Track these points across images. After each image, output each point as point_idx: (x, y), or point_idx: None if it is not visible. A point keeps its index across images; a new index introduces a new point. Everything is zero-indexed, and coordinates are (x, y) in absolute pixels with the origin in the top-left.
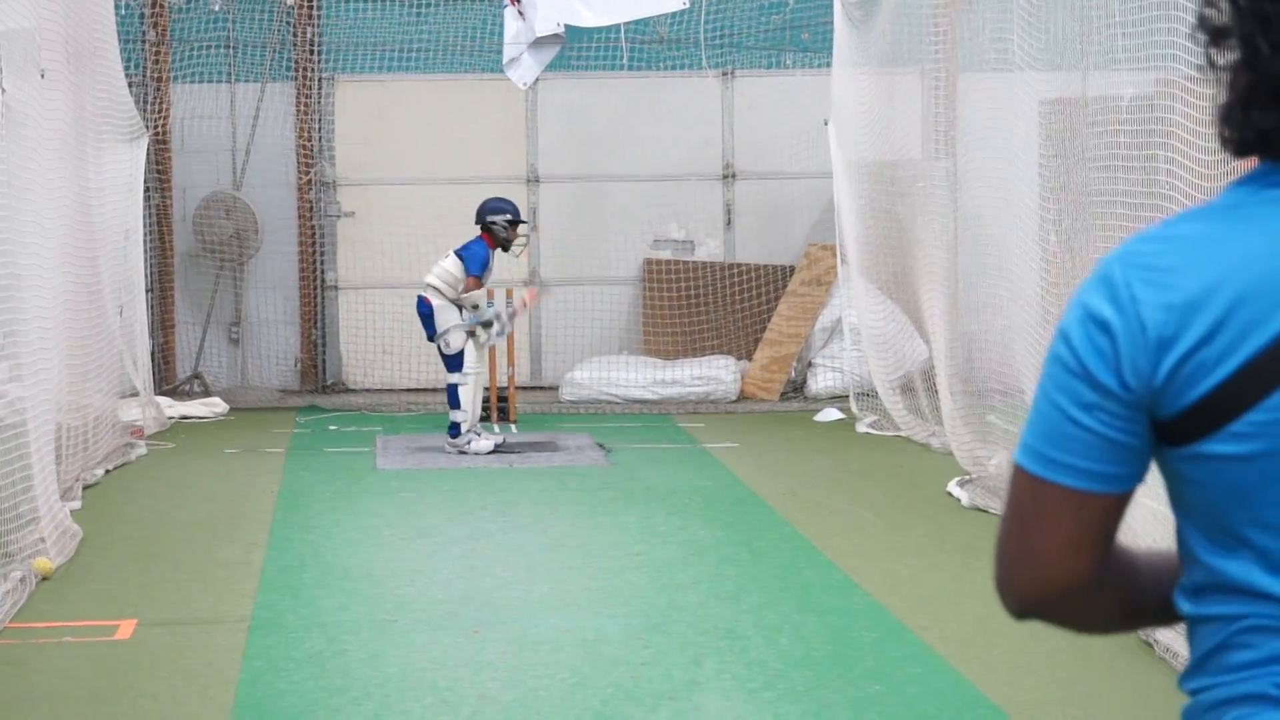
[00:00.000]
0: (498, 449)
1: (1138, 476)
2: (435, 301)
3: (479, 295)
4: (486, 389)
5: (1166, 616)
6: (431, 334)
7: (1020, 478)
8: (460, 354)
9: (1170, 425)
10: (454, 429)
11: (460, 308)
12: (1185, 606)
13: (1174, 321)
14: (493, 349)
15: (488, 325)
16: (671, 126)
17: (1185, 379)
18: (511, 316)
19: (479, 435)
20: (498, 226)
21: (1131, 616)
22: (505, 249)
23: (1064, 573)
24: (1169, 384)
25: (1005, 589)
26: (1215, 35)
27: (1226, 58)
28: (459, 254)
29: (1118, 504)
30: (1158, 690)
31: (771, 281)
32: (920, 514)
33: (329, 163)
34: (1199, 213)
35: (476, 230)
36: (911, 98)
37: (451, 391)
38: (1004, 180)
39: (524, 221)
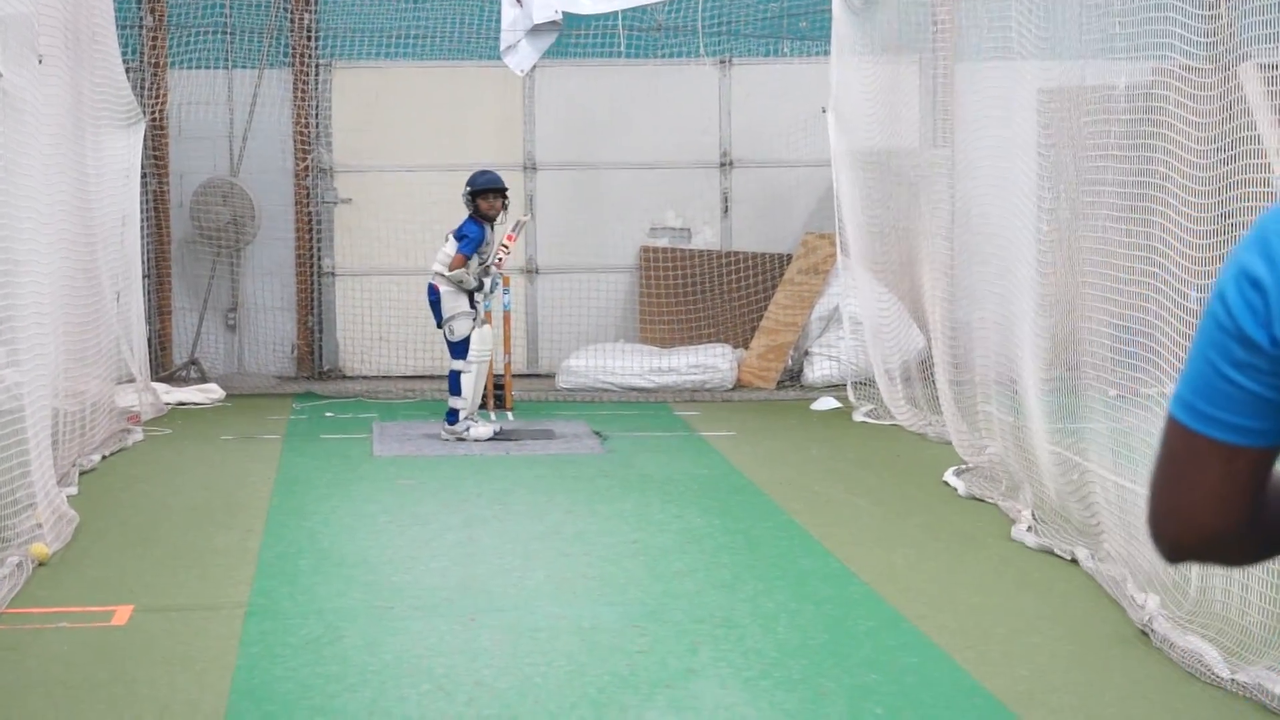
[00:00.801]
0: (496, 436)
1: None
2: (442, 288)
3: (461, 273)
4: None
5: None
6: (440, 321)
7: (1174, 429)
8: (465, 341)
9: None
10: (452, 415)
11: (470, 294)
12: None
13: None
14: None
15: (479, 289)
16: (669, 114)
17: None
18: (498, 264)
19: (476, 422)
20: (466, 200)
21: (1276, 545)
22: (487, 220)
23: (1214, 520)
24: None
25: (1158, 535)
26: None
27: None
28: (455, 235)
29: (1267, 457)
30: (1153, 679)
31: (768, 270)
32: (917, 503)
33: (326, 149)
34: None
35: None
36: (910, 86)
37: (453, 378)
38: (1002, 169)
39: (495, 189)
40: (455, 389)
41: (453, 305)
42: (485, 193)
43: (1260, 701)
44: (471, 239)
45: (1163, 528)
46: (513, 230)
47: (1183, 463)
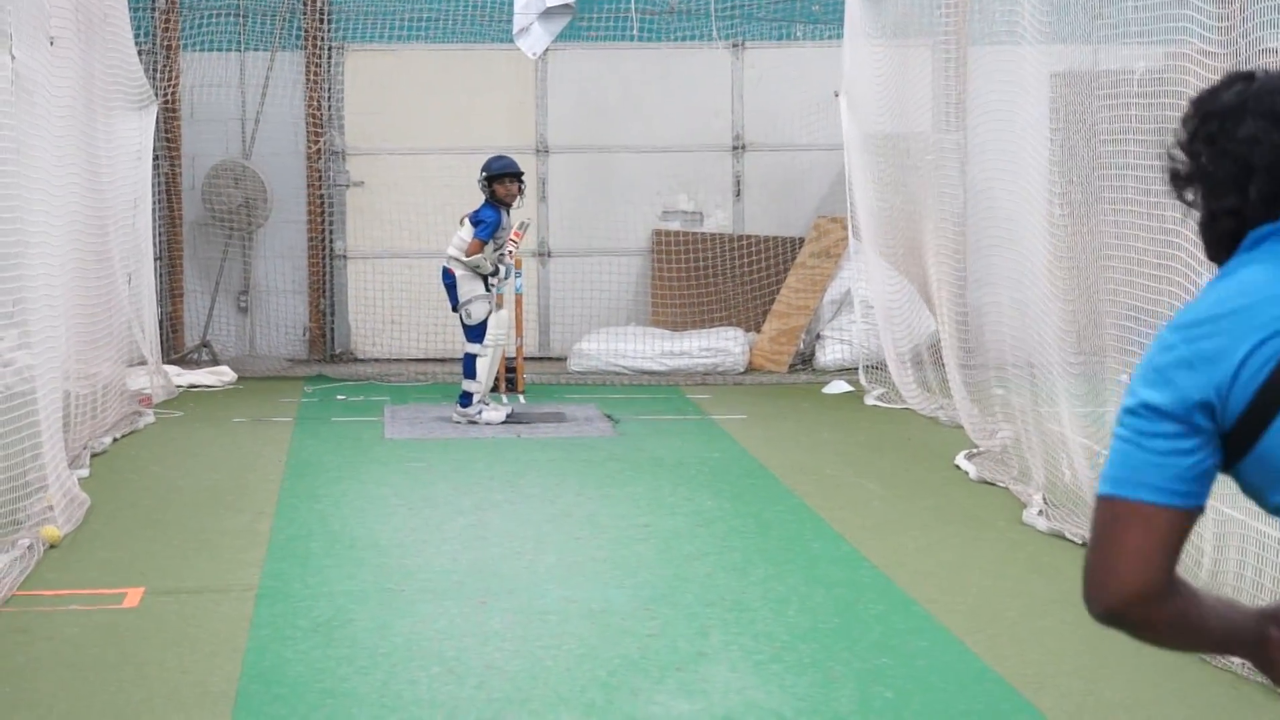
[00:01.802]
0: (508, 419)
1: (1202, 497)
2: (458, 272)
3: (479, 258)
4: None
5: (1228, 645)
6: (455, 304)
7: (1101, 505)
8: (483, 324)
9: (1236, 428)
10: (465, 399)
11: (485, 278)
12: None
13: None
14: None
15: (495, 274)
16: (681, 98)
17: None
18: (509, 254)
19: (489, 406)
20: (482, 186)
21: (1197, 635)
22: (504, 205)
23: (1136, 578)
24: (1230, 392)
25: (1088, 599)
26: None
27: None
28: (471, 220)
29: (1183, 521)
30: (1164, 662)
31: (780, 253)
32: (928, 487)
33: (338, 132)
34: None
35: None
36: (922, 70)
37: (469, 361)
38: (1014, 153)
39: (510, 174)
40: (470, 372)
41: (469, 289)
42: (502, 178)
43: (1269, 684)
44: (488, 224)
45: (1091, 591)
46: (518, 228)
47: (1108, 528)
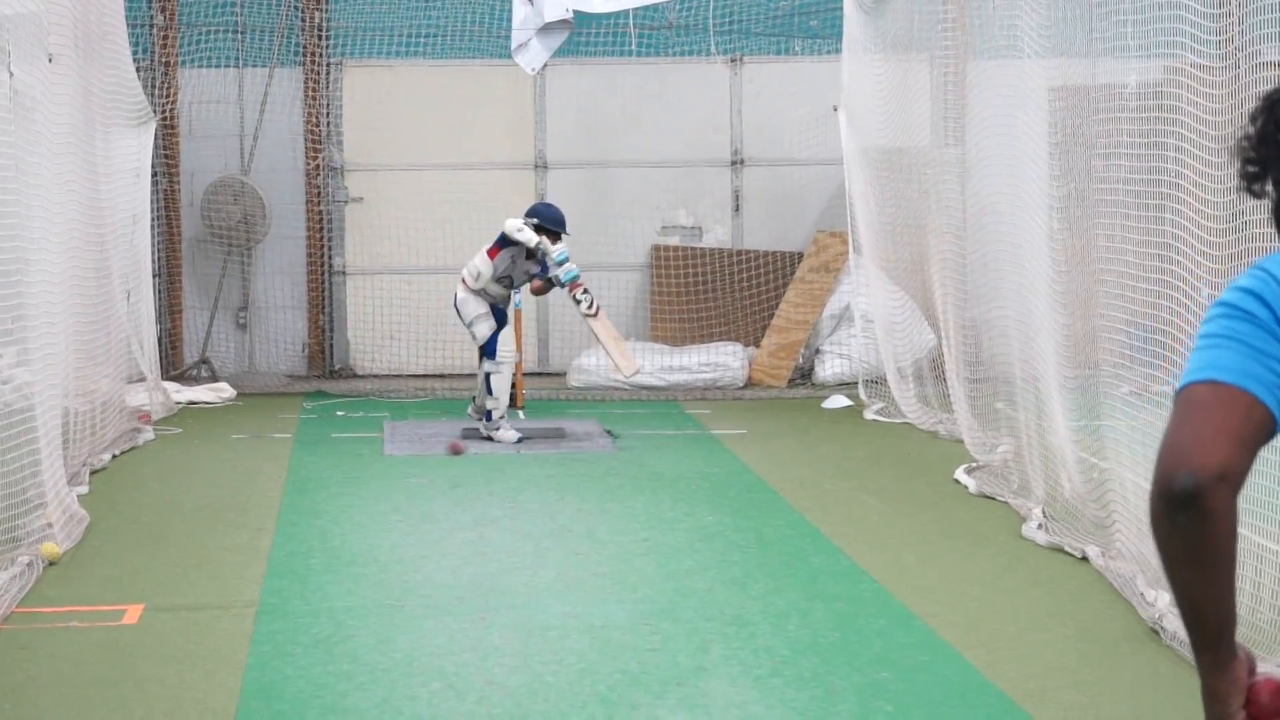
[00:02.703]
0: (521, 441)
1: None
2: (460, 293)
3: (557, 246)
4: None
5: (1221, 621)
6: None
7: (1202, 386)
8: (492, 341)
9: None
10: (488, 414)
11: (493, 305)
12: None
13: None
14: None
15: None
16: (680, 112)
17: None
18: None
19: (506, 424)
20: (530, 226)
21: (1227, 570)
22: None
23: (1219, 457)
24: None
25: (1164, 467)
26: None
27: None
28: (498, 244)
29: (1269, 426)
30: (1164, 677)
31: (780, 268)
32: (927, 501)
33: (337, 148)
34: None
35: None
36: (921, 84)
37: (486, 379)
38: (1013, 167)
39: (557, 231)
40: (488, 389)
41: (471, 309)
42: (550, 231)
43: None
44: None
45: (1174, 465)
46: (540, 280)
47: (1208, 407)
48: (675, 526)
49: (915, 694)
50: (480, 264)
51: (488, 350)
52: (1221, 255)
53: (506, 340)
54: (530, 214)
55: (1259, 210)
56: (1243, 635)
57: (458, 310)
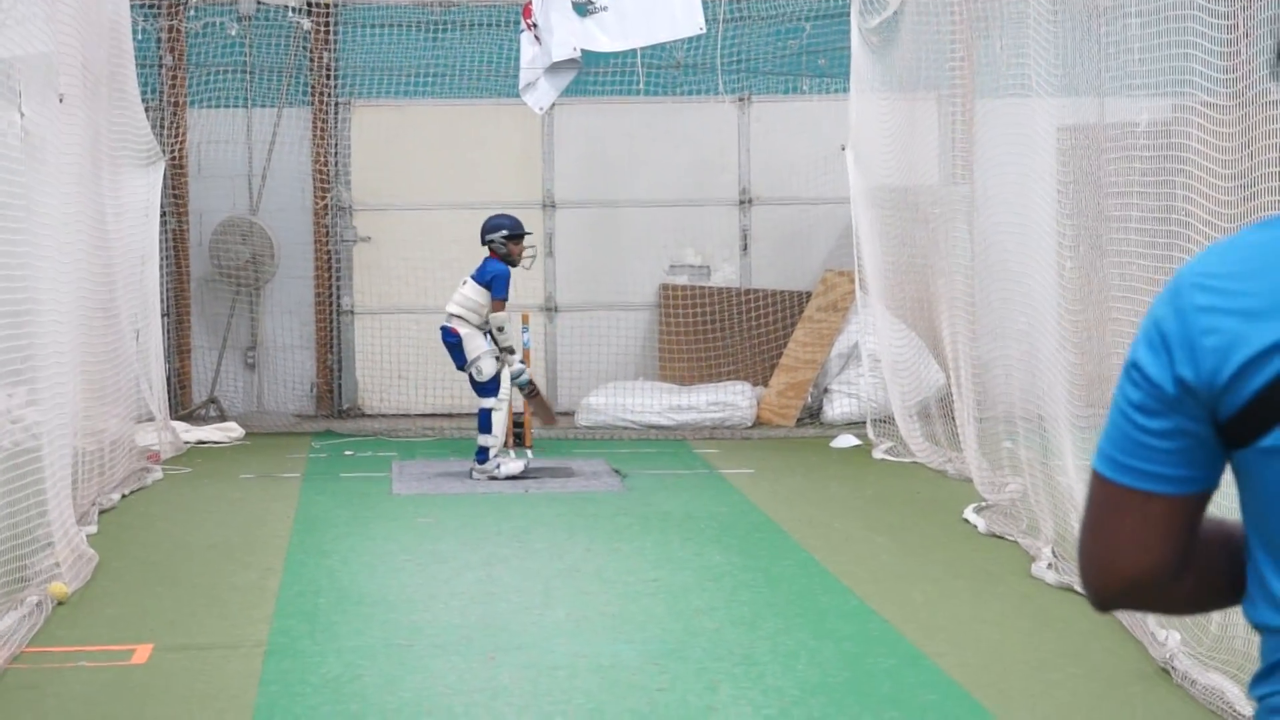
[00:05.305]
0: (524, 473)
1: (1203, 481)
2: (462, 330)
3: (502, 317)
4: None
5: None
6: (461, 363)
7: (1095, 481)
8: (495, 380)
9: (1231, 424)
10: (482, 454)
11: (487, 332)
12: (1253, 616)
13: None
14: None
15: (510, 352)
16: (688, 152)
17: (1244, 378)
18: (529, 383)
19: (507, 458)
20: (496, 243)
21: (1217, 596)
22: (513, 264)
23: (1131, 566)
24: (1230, 384)
25: (1084, 582)
26: None
27: None
28: (478, 279)
29: (1184, 504)
30: (1175, 716)
31: (788, 307)
32: (936, 540)
33: (345, 187)
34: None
35: (485, 251)
36: (929, 123)
37: (484, 416)
38: (1022, 206)
39: (525, 234)
40: (486, 427)
41: (476, 346)
42: (516, 236)
43: None
44: (504, 279)
45: (1086, 575)
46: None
47: (1102, 512)
48: (684, 566)
49: None
50: (473, 292)
51: (490, 388)
52: None
53: (504, 377)
54: (495, 228)
55: None
56: (1253, 674)
57: (453, 349)
